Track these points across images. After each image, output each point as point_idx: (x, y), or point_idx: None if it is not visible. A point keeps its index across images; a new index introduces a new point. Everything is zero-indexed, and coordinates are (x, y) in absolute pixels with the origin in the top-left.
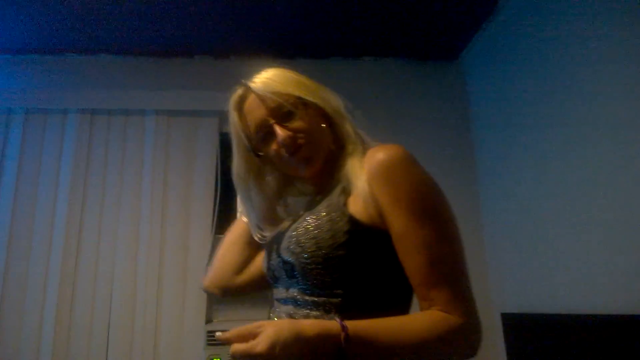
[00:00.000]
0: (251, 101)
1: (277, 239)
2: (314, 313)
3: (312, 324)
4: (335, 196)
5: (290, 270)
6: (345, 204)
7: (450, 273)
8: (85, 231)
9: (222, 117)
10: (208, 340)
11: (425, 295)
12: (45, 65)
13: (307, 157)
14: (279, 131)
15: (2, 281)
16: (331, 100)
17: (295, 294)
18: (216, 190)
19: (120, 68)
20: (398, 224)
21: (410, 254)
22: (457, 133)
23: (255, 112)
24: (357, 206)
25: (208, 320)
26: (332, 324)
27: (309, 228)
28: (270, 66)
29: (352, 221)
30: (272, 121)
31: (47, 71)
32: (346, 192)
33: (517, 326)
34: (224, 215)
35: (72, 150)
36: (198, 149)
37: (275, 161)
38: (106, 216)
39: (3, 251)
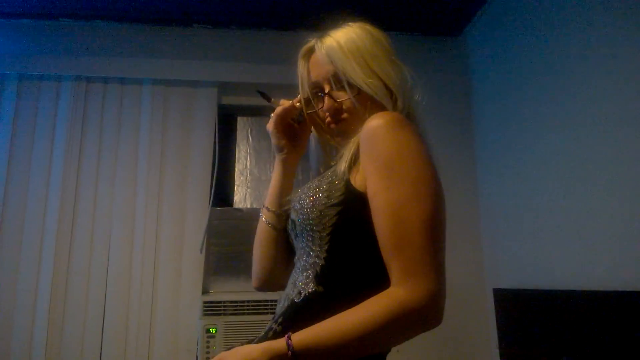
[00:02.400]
0: (317, 57)
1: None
2: (301, 279)
3: (259, 348)
4: (343, 161)
5: (294, 229)
6: (348, 169)
7: (409, 240)
8: (80, 200)
9: (221, 87)
10: (204, 311)
11: (387, 263)
12: (40, 30)
13: (343, 131)
14: (327, 101)
15: None
16: (394, 78)
17: (298, 257)
18: (214, 162)
19: (117, 35)
20: (369, 185)
21: (376, 217)
22: (457, 108)
23: (315, 70)
24: (356, 172)
25: (204, 291)
26: (279, 343)
27: (311, 187)
28: (351, 22)
29: (348, 185)
30: (326, 88)
31: (42, 37)
32: (352, 159)
33: (509, 302)
34: (221, 187)
35: (67, 118)
36: (196, 120)
37: (318, 118)
38: (102, 186)
39: None
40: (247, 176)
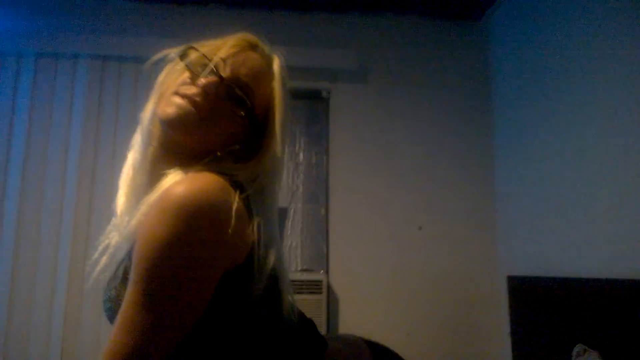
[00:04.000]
0: (251, 55)
1: None
2: None
3: None
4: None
5: None
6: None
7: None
8: (97, 177)
9: None
10: None
11: None
12: (56, 8)
13: (182, 122)
14: (208, 83)
15: (16, 221)
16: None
17: None
18: None
19: (133, 14)
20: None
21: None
22: (476, 93)
23: (240, 58)
24: None
25: None
26: None
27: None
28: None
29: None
30: (227, 75)
31: (59, 14)
32: None
33: (522, 289)
34: None
35: (84, 96)
36: None
37: (168, 89)
38: (119, 163)
39: (15, 193)
40: None
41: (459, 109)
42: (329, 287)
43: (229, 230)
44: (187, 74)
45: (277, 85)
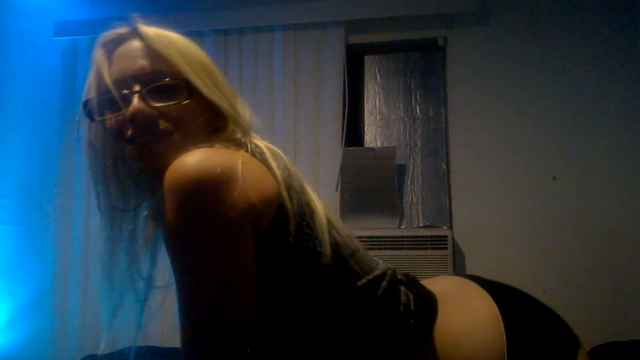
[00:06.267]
0: (129, 48)
1: None
2: None
3: None
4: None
5: None
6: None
7: (187, 332)
8: None
9: (348, 26)
10: None
11: None
12: None
13: (157, 153)
14: (136, 102)
15: None
16: (233, 96)
17: None
18: (344, 102)
19: None
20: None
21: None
22: (621, 20)
23: (127, 62)
24: None
25: None
26: None
27: None
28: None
29: None
30: (137, 86)
31: None
32: None
33: None
34: (353, 127)
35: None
36: (325, 61)
37: (112, 140)
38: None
39: None
40: (376, 116)
41: (602, 42)
42: (453, 242)
43: (242, 194)
44: (110, 122)
45: (162, 46)
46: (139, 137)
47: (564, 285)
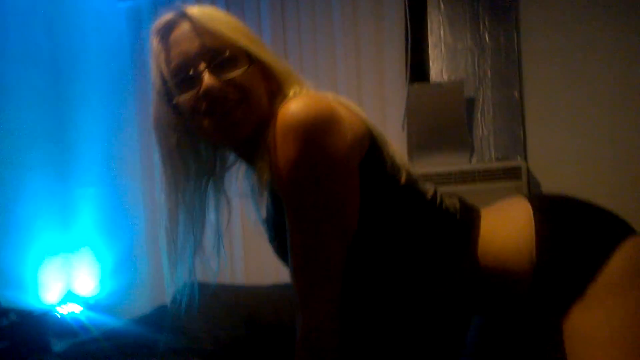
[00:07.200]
0: (183, 31)
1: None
2: None
3: None
4: (264, 177)
5: None
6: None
7: (301, 269)
8: None
9: None
10: None
11: None
12: None
13: (236, 122)
14: (207, 78)
15: None
16: (279, 59)
17: None
18: (407, 36)
19: None
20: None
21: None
22: None
23: (185, 44)
24: None
25: None
26: None
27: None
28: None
29: (279, 210)
30: (202, 65)
31: None
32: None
33: None
34: (416, 64)
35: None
36: None
37: (187, 118)
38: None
39: None
40: (441, 48)
41: None
42: (528, 173)
43: (347, 129)
44: (184, 102)
45: (211, 23)
46: (217, 110)
47: None
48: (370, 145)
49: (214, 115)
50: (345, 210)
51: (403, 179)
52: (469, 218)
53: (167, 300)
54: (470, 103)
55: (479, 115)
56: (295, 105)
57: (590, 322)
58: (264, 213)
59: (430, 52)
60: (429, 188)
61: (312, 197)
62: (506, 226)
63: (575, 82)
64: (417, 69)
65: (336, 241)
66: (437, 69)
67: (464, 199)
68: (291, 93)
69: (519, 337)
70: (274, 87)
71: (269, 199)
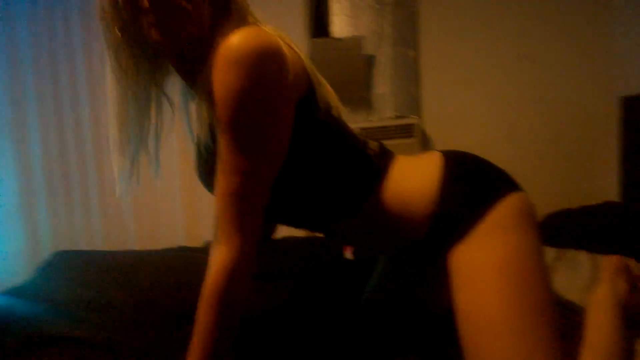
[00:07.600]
0: None
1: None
2: None
3: None
4: (204, 101)
5: None
6: (209, 110)
7: (230, 194)
8: None
9: None
10: None
11: None
12: None
13: (174, 46)
14: None
15: None
16: None
17: None
18: None
19: None
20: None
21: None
22: None
23: None
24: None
25: None
26: None
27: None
28: None
29: (213, 135)
30: None
31: None
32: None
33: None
34: (319, 16)
35: None
36: None
37: (128, 13)
38: None
39: None
40: (343, 2)
41: None
42: (422, 131)
43: (289, 67)
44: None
45: None
46: (156, 29)
47: (530, 166)
48: (308, 88)
49: (152, 13)
50: (278, 141)
51: (332, 121)
52: (383, 160)
53: None
54: (371, 60)
55: (378, 73)
56: (240, 36)
57: (476, 254)
58: (196, 131)
59: (332, 6)
60: (355, 129)
61: (249, 122)
62: (416, 171)
63: (471, 43)
64: (320, 24)
65: (267, 167)
66: (339, 25)
67: (384, 145)
68: (236, 24)
69: (414, 273)
70: (223, 12)
71: (205, 125)
